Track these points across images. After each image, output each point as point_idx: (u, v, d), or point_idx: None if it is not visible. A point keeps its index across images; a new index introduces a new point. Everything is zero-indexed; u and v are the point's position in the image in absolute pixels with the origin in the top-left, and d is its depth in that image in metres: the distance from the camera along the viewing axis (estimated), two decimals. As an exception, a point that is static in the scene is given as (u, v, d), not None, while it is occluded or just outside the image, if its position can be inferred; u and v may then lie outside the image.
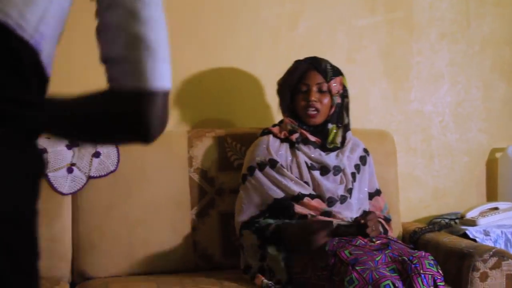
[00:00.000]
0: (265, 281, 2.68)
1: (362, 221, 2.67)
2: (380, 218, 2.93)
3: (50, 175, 2.95)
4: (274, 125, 3.04)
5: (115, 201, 2.98)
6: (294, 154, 2.93)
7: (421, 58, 3.57)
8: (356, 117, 3.44)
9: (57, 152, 3.00)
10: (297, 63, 3.00)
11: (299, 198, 2.84)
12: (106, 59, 1.22)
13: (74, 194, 2.97)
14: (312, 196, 2.85)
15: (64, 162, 3.00)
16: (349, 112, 3.03)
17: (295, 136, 2.93)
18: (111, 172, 3.00)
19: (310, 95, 2.90)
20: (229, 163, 3.11)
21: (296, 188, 2.86)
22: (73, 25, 3.04)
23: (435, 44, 3.59)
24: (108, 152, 3.01)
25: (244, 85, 3.39)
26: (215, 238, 3.06)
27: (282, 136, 2.95)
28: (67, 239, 2.96)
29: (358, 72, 3.51)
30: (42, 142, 3.01)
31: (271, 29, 3.44)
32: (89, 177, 2.98)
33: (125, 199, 3.00)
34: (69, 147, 3.03)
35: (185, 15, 3.34)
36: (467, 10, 3.61)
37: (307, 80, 2.92)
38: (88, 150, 3.01)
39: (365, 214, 2.79)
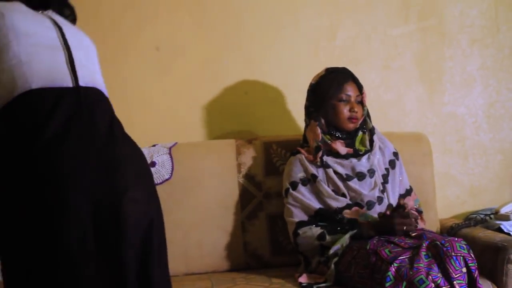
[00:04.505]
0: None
1: (388, 212, 2.76)
2: (412, 210, 3.01)
3: (111, 184, 3.11)
4: (302, 145, 3.13)
5: (171, 207, 3.05)
6: (326, 172, 3.01)
7: (453, 63, 3.66)
8: (393, 121, 3.58)
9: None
10: (334, 73, 3.05)
11: (337, 212, 2.93)
12: None
13: (132, 202, 3.13)
14: (349, 207, 2.95)
15: (123, 172, 3.16)
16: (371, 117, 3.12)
17: (319, 155, 2.99)
18: (166, 180, 3.13)
19: (354, 106, 3.01)
20: (274, 168, 3.23)
21: (334, 204, 2.95)
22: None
23: (466, 49, 3.67)
24: (163, 161, 3.14)
25: (285, 95, 3.50)
26: (264, 239, 3.18)
27: (308, 160, 3.02)
28: (127, 242, 3.10)
29: (394, 78, 3.62)
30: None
31: (311, 41, 3.56)
32: (146, 185, 3.14)
33: (179, 205, 3.13)
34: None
35: (229, 31, 3.50)
36: (496, 16, 3.69)
37: (348, 91, 3.02)
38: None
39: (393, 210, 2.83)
